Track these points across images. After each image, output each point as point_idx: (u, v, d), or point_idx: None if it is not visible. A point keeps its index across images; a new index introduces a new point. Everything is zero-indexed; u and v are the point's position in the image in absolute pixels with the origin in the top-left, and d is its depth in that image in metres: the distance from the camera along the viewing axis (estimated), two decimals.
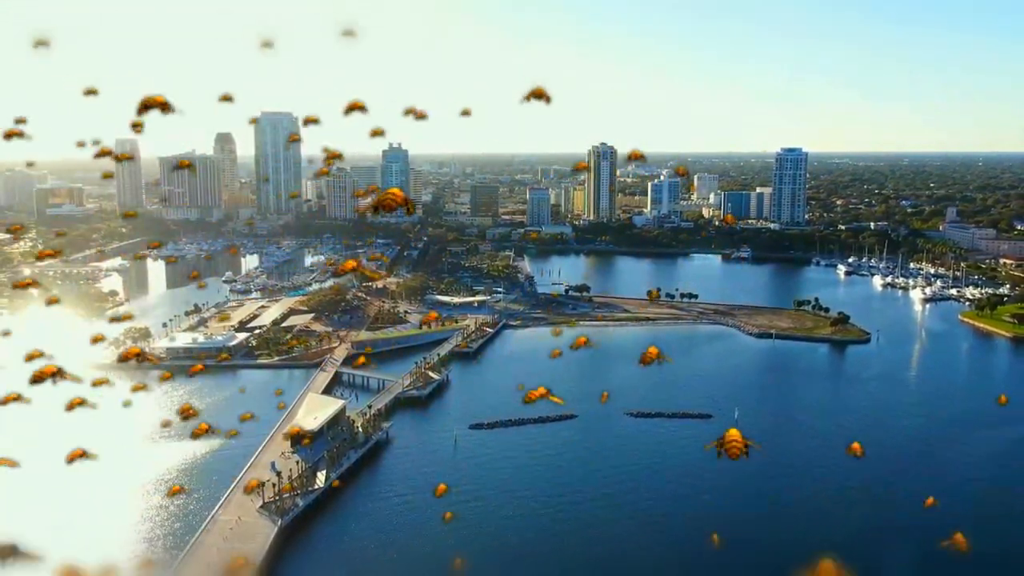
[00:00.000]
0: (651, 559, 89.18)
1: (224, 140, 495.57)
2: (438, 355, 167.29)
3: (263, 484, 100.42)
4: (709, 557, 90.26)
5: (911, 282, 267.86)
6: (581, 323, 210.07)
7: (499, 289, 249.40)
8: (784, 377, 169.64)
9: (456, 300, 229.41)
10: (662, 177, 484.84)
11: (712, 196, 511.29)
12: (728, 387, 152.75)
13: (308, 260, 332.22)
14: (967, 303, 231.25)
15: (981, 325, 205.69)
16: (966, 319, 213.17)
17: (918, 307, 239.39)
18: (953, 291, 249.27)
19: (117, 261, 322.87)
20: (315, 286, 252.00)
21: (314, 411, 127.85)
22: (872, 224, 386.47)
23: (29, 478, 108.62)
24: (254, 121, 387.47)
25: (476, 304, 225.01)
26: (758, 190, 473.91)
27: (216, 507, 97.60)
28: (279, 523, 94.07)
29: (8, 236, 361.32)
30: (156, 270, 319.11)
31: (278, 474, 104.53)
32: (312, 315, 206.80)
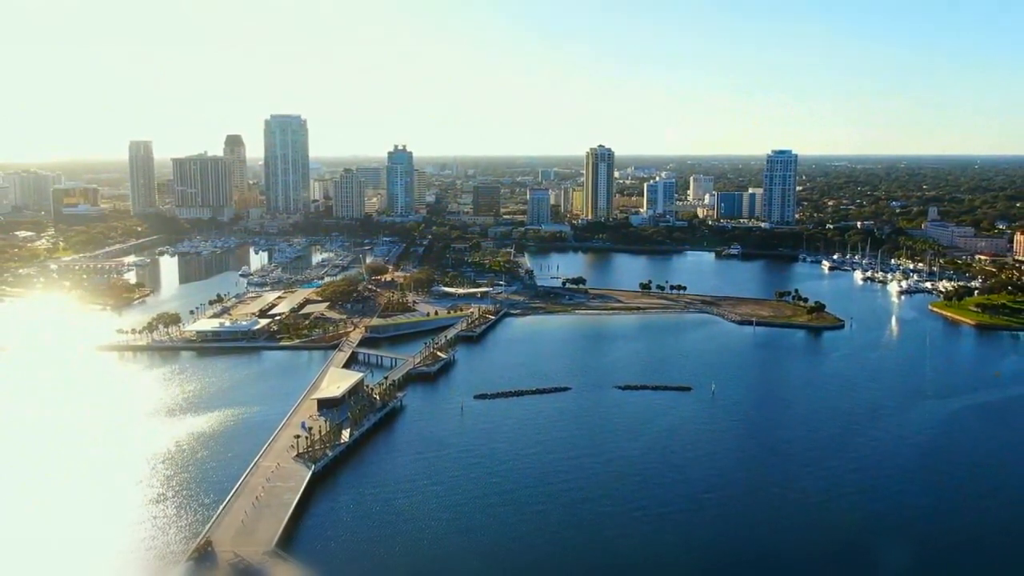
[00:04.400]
0: (625, 502, 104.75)
1: (234, 142, 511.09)
2: (445, 338, 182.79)
3: (297, 438, 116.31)
4: (677, 496, 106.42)
5: (889, 276, 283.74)
6: (578, 312, 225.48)
7: (500, 282, 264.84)
8: (760, 357, 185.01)
9: (460, 291, 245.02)
10: (658, 178, 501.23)
11: (707, 197, 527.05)
12: (708, 365, 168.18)
13: (316, 258, 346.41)
14: (940, 295, 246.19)
15: (948, 314, 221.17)
16: (935, 308, 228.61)
17: (894, 298, 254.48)
18: (928, 284, 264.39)
19: (135, 257, 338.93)
20: (327, 279, 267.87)
21: (336, 382, 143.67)
22: (859, 223, 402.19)
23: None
24: None
25: (479, 295, 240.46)
26: (750, 191, 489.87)
27: (257, 455, 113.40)
28: (312, 468, 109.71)
29: (31, 233, 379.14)
30: (170, 266, 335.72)
31: (308, 431, 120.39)
32: (327, 304, 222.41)
